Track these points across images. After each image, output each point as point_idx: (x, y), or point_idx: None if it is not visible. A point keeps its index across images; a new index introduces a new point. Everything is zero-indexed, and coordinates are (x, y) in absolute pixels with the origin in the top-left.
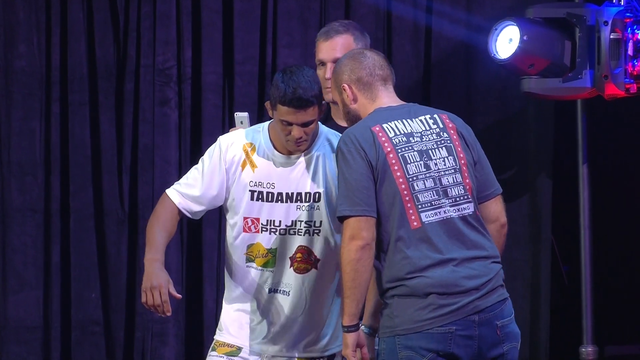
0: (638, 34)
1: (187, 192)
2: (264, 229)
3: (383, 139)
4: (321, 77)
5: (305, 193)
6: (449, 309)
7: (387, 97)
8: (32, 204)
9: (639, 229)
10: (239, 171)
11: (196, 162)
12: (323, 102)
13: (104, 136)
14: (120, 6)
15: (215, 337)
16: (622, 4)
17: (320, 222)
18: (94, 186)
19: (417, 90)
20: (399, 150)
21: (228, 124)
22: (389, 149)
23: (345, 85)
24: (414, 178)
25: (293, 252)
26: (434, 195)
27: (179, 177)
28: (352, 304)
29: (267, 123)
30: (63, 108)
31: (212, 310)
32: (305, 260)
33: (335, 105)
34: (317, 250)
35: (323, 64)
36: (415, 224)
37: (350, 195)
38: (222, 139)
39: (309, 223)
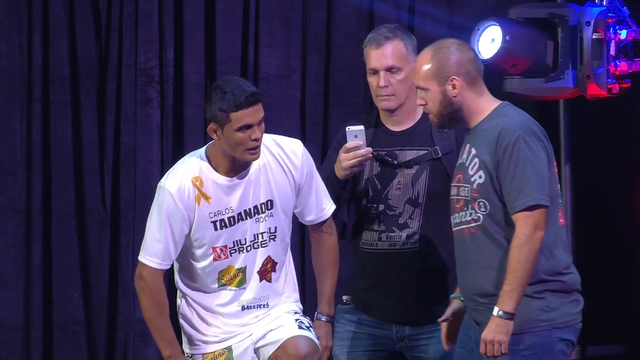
0: (620, 34)
1: (159, 250)
2: (233, 251)
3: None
4: (374, 85)
5: (260, 204)
6: (582, 305)
7: (489, 93)
8: (13, 204)
9: (621, 229)
10: (196, 207)
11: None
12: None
13: (85, 136)
14: (102, 5)
15: (191, 352)
16: (604, 4)
17: (276, 227)
18: (75, 186)
19: None
20: None
21: None
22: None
23: (455, 77)
24: (554, 179)
25: (261, 265)
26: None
27: (161, 175)
28: (520, 292)
29: (200, 152)
30: (45, 108)
31: None
32: (272, 269)
33: (388, 113)
34: (275, 253)
35: (375, 72)
36: (561, 220)
37: (543, 185)
38: (168, 185)
39: (269, 231)
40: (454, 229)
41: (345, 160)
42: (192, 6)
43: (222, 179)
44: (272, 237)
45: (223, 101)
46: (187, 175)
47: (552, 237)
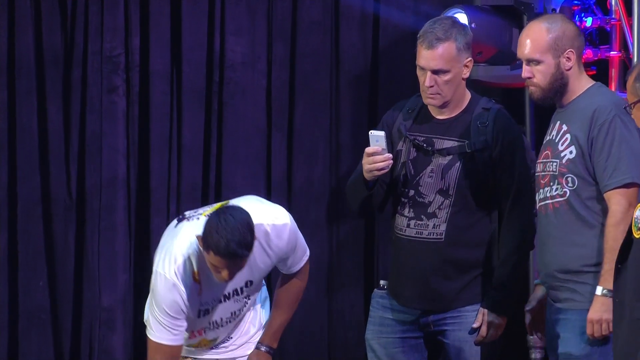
0: (586, 21)
1: (167, 333)
2: (209, 330)
3: None
4: (421, 80)
5: (240, 288)
6: None
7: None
8: None
9: None
10: (196, 299)
11: (144, 150)
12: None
13: (51, 124)
14: None
15: None
16: None
17: (250, 295)
18: (41, 174)
19: (365, 79)
20: None
21: (176, 112)
22: None
23: (572, 50)
24: None
25: (233, 324)
26: None
27: (127, 165)
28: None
29: (196, 242)
30: (10, 96)
31: None
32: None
33: (439, 108)
34: (247, 308)
35: (423, 70)
36: None
37: (637, 164)
38: (171, 276)
39: (245, 301)
40: (537, 206)
41: (365, 164)
42: None
43: (213, 275)
44: (245, 303)
45: (210, 237)
46: (188, 269)
47: None
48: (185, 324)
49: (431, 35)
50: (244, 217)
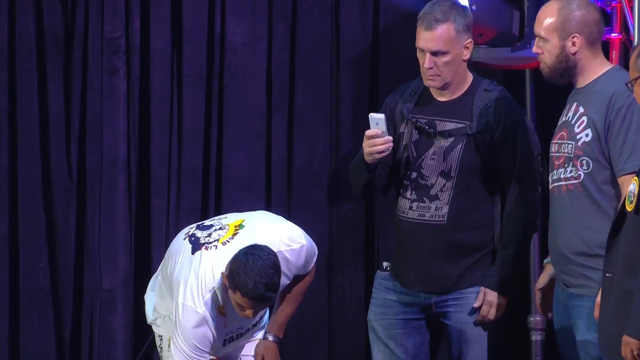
0: None
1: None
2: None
3: None
4: (420, 62)
5: (252, 325)
6: None
7: (603, 56)
8: None
9: None
10: (223, 333)
11: (145, 132)
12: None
13: (52, 105)
14: None
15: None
16: None
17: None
18: (41, 155)
19: (366, 60)
20: None
21: (177, 94)
22: None
23: (577, 35)
24: None
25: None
26: None
27: (128, 147)
28: None
29: (221, 277)
30: (10, 77)
31: None
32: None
33: (440, 90)
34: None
35: (422, 51)
36: None
37: None
38: (206, 316)
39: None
40: (550, 186)
41: (365, 147)
42: None
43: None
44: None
45: (238, 277)
46: (215, 306)
47: None
48: (210, 355)
49: (430, 17)
50: (272, 258)
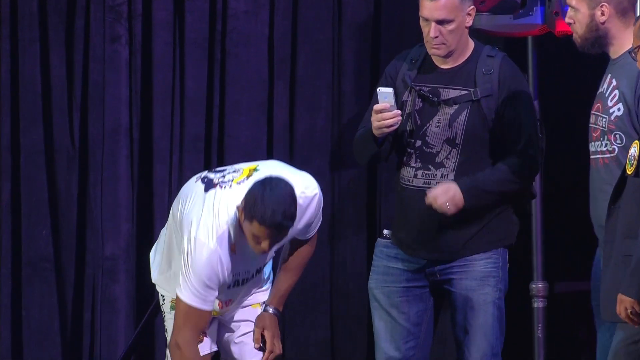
0: None
1: (208, 302)
2: (225, 304)
3: None
4: (425, 31)
5: (261, 267)
6: None
7: None
8: None
9: (589, 164)
10: (230, 273)
11: (147, 99)
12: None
13: (54, 73)
14: None
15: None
16: None
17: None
18: (44, 123)
19: (368, 28)
20: None
21: (179, 61)
22: None
23: (605, 4)
24: None
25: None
26: None
27: (130, 114)
28: None
29: (235, 214)
30: (13, 45)
31: None
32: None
33: (443, 57)
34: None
35: (427, 20)
36: None
37: None
38: (219, 252)
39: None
40: (590, 157)
41: (374, 122)
42: None
43: (248, 246)
44: (261, 269)
45: (255, 206)
46: (226, 241)
47: None
48: (217, 293)
49: None
50: (288, 189)
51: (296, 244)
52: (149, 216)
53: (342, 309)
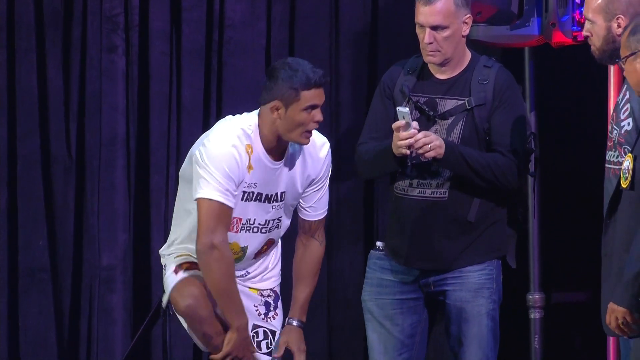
0: None
1: (227, 195)
2: (242, 229)
3: None
4: (420, 38)
5: (281, 192)
6: None
7: None
8: None
9: (585, 175)
10: (246, 173)
11: (144, 109)
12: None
13: (50, 83)
14: None
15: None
16: None
17: (281, 217)
18: (41, 132)
19: (365, 38)
20: None
21: (176, 71)
22: None
23: (621, 16)
24: None
25: (261, 247)
26: None
27: (127, 124)
28: None
29: (250, 121)
30: (10, 55)
31: (159, 258)
32: (267, 249)
33: (440, 66)
34: (275, 237)
35: (422, 26)
36: None
37: None
38: (234, 144)
39: (276, 219)
40: (605, 165)
41: (395, 140)
42: None
43: (266, 157)
44: (277, 225)
45: (294, 79)
46: (242, 142)
47: None
48: (235, 191)
49: None
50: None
51: (304, 240)
52: (146, 226)
53: (339, 318)
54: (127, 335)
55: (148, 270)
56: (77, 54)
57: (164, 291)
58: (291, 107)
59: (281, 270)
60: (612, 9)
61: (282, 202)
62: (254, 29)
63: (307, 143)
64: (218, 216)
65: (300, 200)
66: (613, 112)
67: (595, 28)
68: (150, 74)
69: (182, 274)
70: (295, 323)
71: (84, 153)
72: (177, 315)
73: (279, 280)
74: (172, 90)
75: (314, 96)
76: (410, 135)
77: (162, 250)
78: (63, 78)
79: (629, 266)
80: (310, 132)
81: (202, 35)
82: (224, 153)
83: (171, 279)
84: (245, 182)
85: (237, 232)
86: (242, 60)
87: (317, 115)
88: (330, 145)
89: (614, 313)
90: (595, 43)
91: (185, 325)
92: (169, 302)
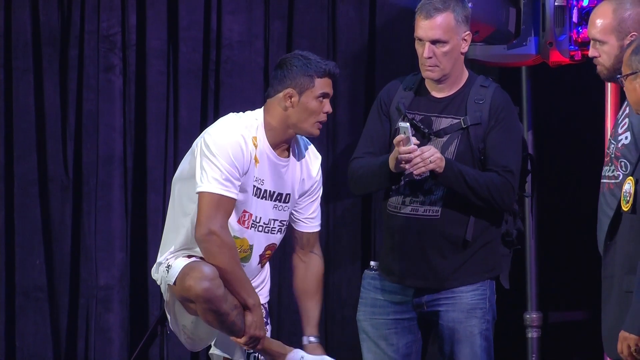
0: (582, 0)
1: (229, 187)
2: (252, 225)
3: None
4: (419, 53)
5: (286, 194)
6: None
7: None
8: None
9: (583, 193)
10: (252, 165)
11: (141, 129)
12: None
13: (48, 102)
14: None
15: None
16: None
17: (284, 221)
18: (38, 152)
19: (362, 57)
20: None
21: (173, 91)
22: None
23: (635, 33)
24: None
25: (263, 250)
26: None
27: (124, 143)
28: None
29: (256, 116)
30: (7, 74)
31: None
32: (269, 256)
33: (437, 84)
34: (276, 241)
35: (421, 41)
36: None
37: None
38: (241, 132)
39: (282, 222)
40: (600, 181)
41: (394, 154)
42: None
43: (271, 152)
44: (280, 229)
45: (309, 66)
46: (249, 133)
47: None
48: (239, 182)
49: (429, 6)
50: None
51: (302, 255)
52: (143, 246)
53: (336, 335)
54: (124, 354)
55: (145, 289)
56: (74, 73)
57: (162, 309)
58: (305, 94)
59: (279, 280)
60: (624, 27)
61: (288, 204)
62: (252, 48)
63: (318, 134)
64: (217, 206)
65: (296, 212)
66: (612, 129)
67: (605, 48)
68: (147, 93)
69: (186, 260)
70: (315, 340)
71: (81, 172)
72: (177, 318)
73: (268, 298)
74: (170, 110)
75: (327, 84)
76: (410, 150)
77: (154, 269)
78: (60, 97)
79: (637, 293)
80: (321, 124)
81: (200, 55)
82: (230, 140)
83: (174, 270)
84: (253, 176)
85: (247, 227)
86: (240, 79)
87: (327, 105)
88: (328, 165)
89: (626, 341)
90: (605, 63)
91: (182, 338)
92: (167, 304)
